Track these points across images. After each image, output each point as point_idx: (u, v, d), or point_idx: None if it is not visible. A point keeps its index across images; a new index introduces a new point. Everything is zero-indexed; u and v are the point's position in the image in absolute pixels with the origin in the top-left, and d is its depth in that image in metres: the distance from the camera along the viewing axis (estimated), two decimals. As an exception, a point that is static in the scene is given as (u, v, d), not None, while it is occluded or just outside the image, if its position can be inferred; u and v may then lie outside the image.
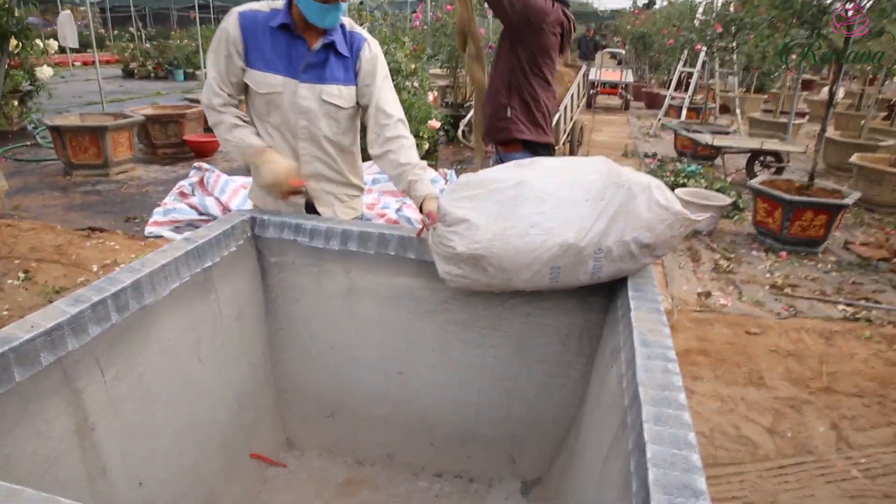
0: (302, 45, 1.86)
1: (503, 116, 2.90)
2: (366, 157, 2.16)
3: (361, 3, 8.61)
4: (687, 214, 1.57)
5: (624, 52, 18.29)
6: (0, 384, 1.10)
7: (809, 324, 3.52)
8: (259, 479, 1.86)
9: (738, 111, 10.10)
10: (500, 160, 2.93)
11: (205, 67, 11.68)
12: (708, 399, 2.75)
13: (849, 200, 4.76)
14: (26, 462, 1.14)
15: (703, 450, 2.34)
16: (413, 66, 6.43)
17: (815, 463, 2.35)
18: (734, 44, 8.55)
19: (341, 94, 1.92)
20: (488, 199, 1.60)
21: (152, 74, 17.16)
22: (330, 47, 1.88)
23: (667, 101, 11.30)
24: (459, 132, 7.42)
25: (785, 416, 2.63)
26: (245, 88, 1.93)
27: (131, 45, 18.82)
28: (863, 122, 8.39)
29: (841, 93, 14.27)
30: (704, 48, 9.38)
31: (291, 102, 1.89)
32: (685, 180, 6.62)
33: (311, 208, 2.08)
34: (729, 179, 7.07)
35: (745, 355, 3.13)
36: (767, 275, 4.48)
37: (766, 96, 14.41)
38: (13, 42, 4.69)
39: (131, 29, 20.63)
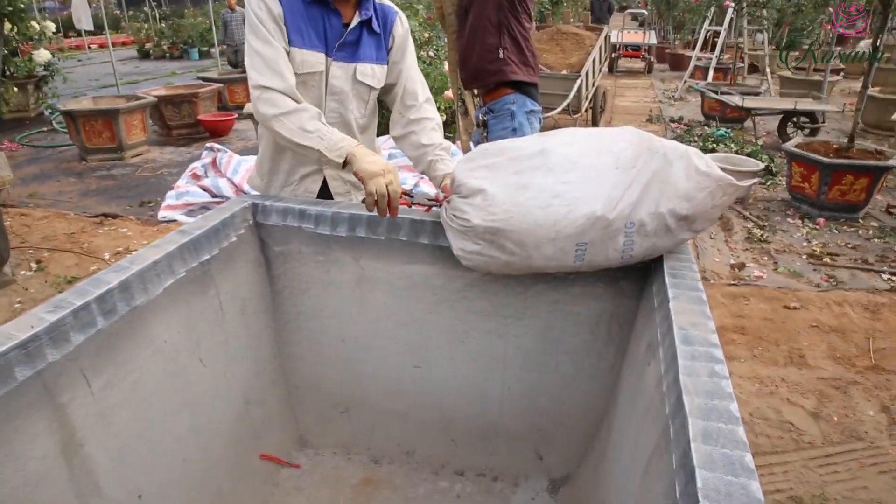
0: (336, 20, 1.70)
1: (494, 58, 2.62)
2: (381, 130, 2.02)
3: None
4: (731, 180, 1.39)
5: (646, 12, 17.63)
6: (-31, 405, 1.00)
7: (853, 296, 3.32)
8: (270, 482, 1.77)
9: (767, 70, 9.67)
10: (490, 111, 2.71)
11: (220, 45, 11.49)
12: (746, 381, 2.58)
13: (893, 162, 4.48)
14: (4, 488, 1.04)
15: (743, 437, 2.20)
16: (427, 35, 6.21)
17: (865, 450, 2.18)
18: (765, -2, 8.11)
19: (374, 74, 1.78)
20: (507, 169, 1.45)
21: (167, 55, 17.11)
22: (365, 24, 1.73)
23: (692, 63, 10.86)
24: (477, 102, 7.19)
25: (830, 399, 2.46)
26: None
27: (146, 26, 18.76)
28: (904, 76, 7.94)
29: (878, 46, 13.59)
30: (733, 4, 8.93)
31: (323, 83, 1.74)
32: (714, 145, 6.35)
33: (326, 198, 1.94)
34: (760, 142, 6.77)
35: (784, 332, 2.95)
36: (804, 243, 4.26)
37: (797, 53, 13.80)
38: (7, 25, 4.54)
39: (146, 9, 20.53)
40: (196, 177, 4.63)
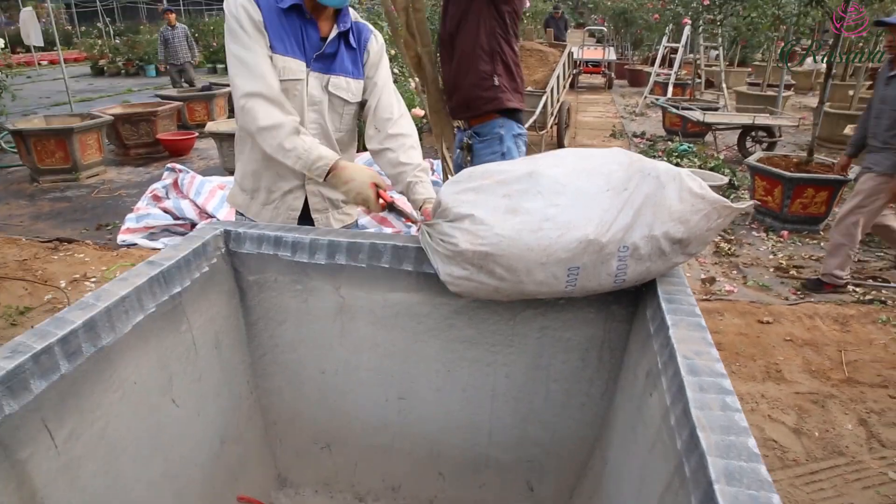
0: (314, 32, 1.67)
1: (490, 86, 2.58)
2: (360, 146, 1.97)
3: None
4: (726, 202, 1.37)
5: (604, 29, 18.05)
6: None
7: (822, 309, 3.38)
8: (249, 526, 1.66)
9: (723, 85, 9.97)
10: (476, 134, 2.67)
11: (160, 64, 11.19)
12: (726, 397, 2.58)
13: (851, 175, 4.62)
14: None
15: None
16: (392, 52, 6.18)
17: (848, 465, 2.20)
18: (721, 16, 8.37)
19: (349, 87, 1.74)
20: (495, 192, 1.40)
21: (123, 71, 16.69)
22: (342, 36, 1.70)
23: (652, 79, 11.13)
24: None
25: (809, 414, 2.48)
26: None
27: (99, 42, 18.27)
28: (851, 91, 8.29)
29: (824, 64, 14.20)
30: (690, 22, 9.19)
31: (304, 93, 1.70)
32: (678, 160, 6.47)
33: (304, 214, 1.89)
34: (721, 157, 6.93)
35: (759, 347, 2.97)
36: (771, 256, 4.35)
37: (749, 69, 14.31)
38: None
39: (99, 24, 20.03)
40: (157, 198, 4.46)
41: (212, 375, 1.61)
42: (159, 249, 4.10)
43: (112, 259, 3.80)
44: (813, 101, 12.30)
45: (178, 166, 4.57)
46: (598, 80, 14.85)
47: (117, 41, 18.15)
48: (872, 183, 3.34)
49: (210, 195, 4.35)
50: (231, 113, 9.16)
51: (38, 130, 5.71)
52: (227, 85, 9.46)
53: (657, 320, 1.34)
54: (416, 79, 3.01)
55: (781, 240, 4.65)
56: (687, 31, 9.88)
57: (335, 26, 1.69)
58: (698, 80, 9.98)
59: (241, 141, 1.83)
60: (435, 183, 1.95)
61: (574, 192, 1.36)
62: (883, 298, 3.54)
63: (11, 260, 3.79)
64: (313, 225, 1.91)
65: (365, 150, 1.88)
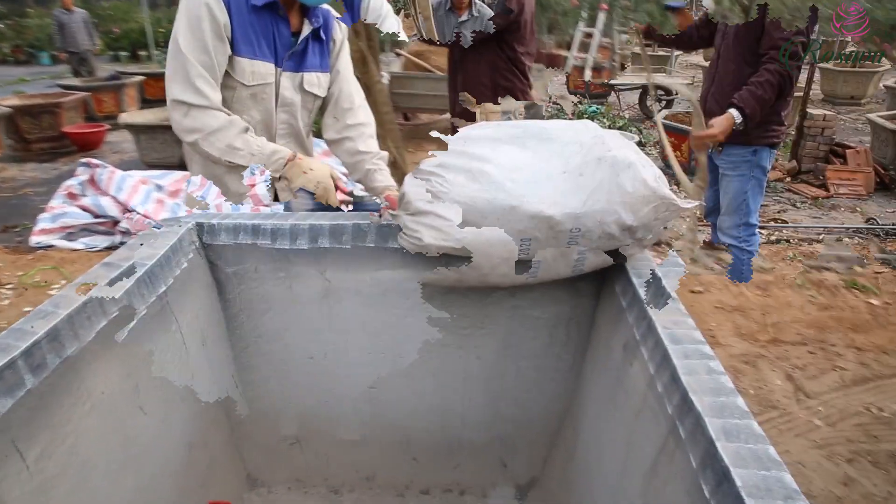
0: (286, 29, 1.59)
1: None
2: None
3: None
4: (673, 199, 1.42)
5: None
6: None
7: (745, 276, 3.63)
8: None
9: (616, 51, 10.37)
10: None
11: (59, 52, 10.36)
12: (669, 364, 2.74)
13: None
14: None
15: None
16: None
17: (781, 417, 2.39)
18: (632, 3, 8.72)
19: (320, 83, 1.69)
20: (456, 168, 1.40)
21: (11, 59, 15.28)
22: (314, 32, 1.64)
23: (570, 62, 11.43)
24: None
25: (744, 374, 2.67)
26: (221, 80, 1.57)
27: (-21, 26, 16.64)
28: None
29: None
30: (608, 9, 9.53)
31: (274, 95, 1.64)
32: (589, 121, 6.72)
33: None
34: (626, 116, 7.25)
35: (693, 315, 3.15)
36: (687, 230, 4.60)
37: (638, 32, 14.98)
38: None
39: (-23, 7, 18.18)
40: (73, 196, 4.14)
41: (178, 378, 1.53)
42: (79, 250, 3.84)
43: (29, 263, 3.51)
44: (697, 58, 13.05)
45: (94, 161, 4.26)
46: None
47: (1, 25, 16.58)
48: None
49: (133, 191, 4.09)
50: (143, 103, 8.62)
51: (-78, 126, 5.17)
52: (137, 74, 8.92)
53: (628, 295, 1.40)
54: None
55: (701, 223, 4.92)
56: (602, 16, 10.21)
57: (307, 21, 1.61)
58: (614, 63, 10.36)
59: (191, 149, 1.72)
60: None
61: (532, 171, 1.39)
62: (787, 237, 3.85)
63: None
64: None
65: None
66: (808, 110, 5.18)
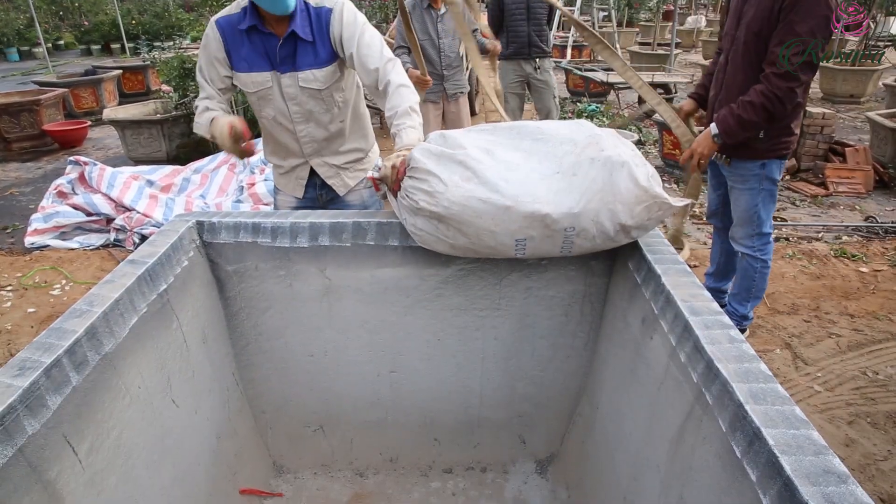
0: (273, 40, 1.82)
1: None
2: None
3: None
4: (665, 198, 1.45)
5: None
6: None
7: (738, 249, 3.70)
8: (257, 517, 1.65)
9: (617, 45, 10.43)
10: None
11: (45, 42, 10.16)
12: (670, 337, 2.80)
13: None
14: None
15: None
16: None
17: (781, 385, 2.47)
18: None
19: (316, 78, 1.86)
20: (455, 161, 1.44)
21: (-22, 56, 14.90)
22: (294, 37, 1.81)
23: (551, 39, 11.41)
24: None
25: (743, 343, 2.74)
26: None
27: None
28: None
29: (703, 22, 15.17)
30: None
31: (279, 93, 1.88)
32: (587, 120, 6.75)
33: (321, 184, 2.10)
34: (626, 115, 7.30)
35: (690, 288, 3.23)
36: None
37: (636, 29, 15.02)
38: None
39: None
40: (63, 195, 4.10)
41: (203, 372, 1.56)
42: (75, 249, 3.81)
43: (26, 264, 3.48)
44: (696, 56, 13.15)
45: (83, 158, 4.20)
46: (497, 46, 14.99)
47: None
48: None
49: (125, 187, 4.06)
50: (122, 97, 8.49)
51: None
52: (113, 68, 8.76)
53: (643, 271, 1.45)
54: None
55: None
56: (582, -7, 10.21)
57: (286, 28, 1.79)
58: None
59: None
60: None
61: (526, 171, 1.42)
62: (786, 235, 3.95)
63: None
64: (332, 190, 2.10)
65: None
66: (808, 109, 5.22)
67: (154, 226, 3.84)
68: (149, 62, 8.35)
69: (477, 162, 1.42)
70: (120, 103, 7.84)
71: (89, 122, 6.81)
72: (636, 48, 10.64)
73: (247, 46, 1.83)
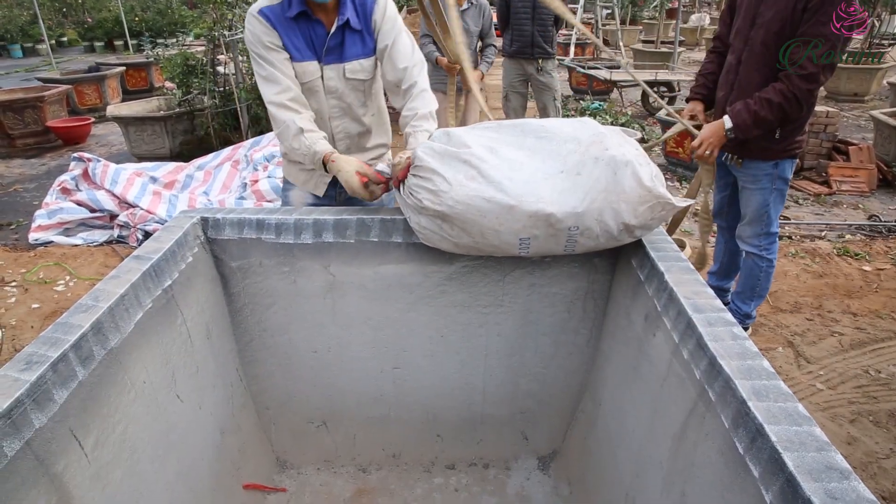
0: (320, 29, 1.77)
1: None
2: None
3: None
4: (669, 198, 1.45)
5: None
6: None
7: (740, 247, 3.70)
8: (260, 512, 1.66)
9: (620, 43, 10.41)
10: None
11: (49, 39, 10.15)
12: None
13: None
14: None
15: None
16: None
17: (785, 382, 2.47)
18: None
19: (363, 68, 1.85)
20: (459, 160, 1.44)
21: (-18, 53, 14.92)
22: (345, 26, 1.78)
23: (556, 39, 11.39)
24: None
25: (745, 341, 2.74)
26: None
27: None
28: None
29: (707, 20, 15.13)
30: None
31: (321, 86, 1.83)
32: (591, 117, 6.74)
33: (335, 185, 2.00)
34: (629, 112, 7.29)
35: (693, 286, 3.23)
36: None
37: (639, 27, 14.98)
38: None
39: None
40: (66, 191, 4.11)
41: (206, 367, 1.57)
42: (79, 245, 3.82)
43: (30, 260, 3.49)
44: (700, 55, 13.11)
45: (87, 155, 4.21)
46: (499, 42, 14.98)
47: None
48: None
49: (128, 184, 4.06)
50: (126, 94, 8.50)
51: None
52: (116, 65, 8.77)
53: (646, 268, 1.45)
54: None
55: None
56: (585, -9, 10.18)
57: (337, 18, 1.76)
58: (597, 39, 10.36)
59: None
60: None
61: (531, 171, 1.41)
62: (789, 234, 3.94)
63: None
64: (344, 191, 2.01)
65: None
66: (812, 108, 5.21)
67: (157, 222, 3.85)
68: (152, 59, 8.35)
69: (481, 161, 1.43)
70: (123, 100, 7.86)
71: (93, 119, 6.83)
72: (639, 46, 10.62)
73: (296, 34, 1.76)
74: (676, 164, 5.31)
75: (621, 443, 1.48)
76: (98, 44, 15.77)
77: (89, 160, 4.21)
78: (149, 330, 1.32)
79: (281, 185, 2.21)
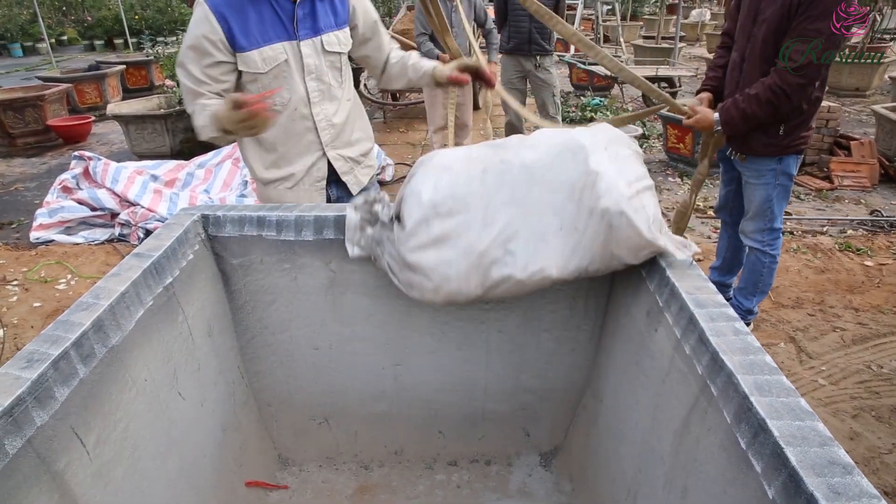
0: (286, 2, 1.65)
1: None
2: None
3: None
4: (668, 249, 1.36)
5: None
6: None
7: (742, 242, 3.70)
8: (262, 509, 1.66)
9: (621, 39, 10.39)
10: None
11: (49, 38, 10.15)
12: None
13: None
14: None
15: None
16: None
17: (787, 378, 2.46)
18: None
19: (339, 41, 1.78)
20: (460, 249, 1.35)
21: (-18, 52, 14.93)
22: None
23: (554, 36, 11.36)
24: (362, 86, 7.03)
25: (747, 336, 2.74)
26: (238, 79, 1.71)
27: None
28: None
29: (707, 15, 15.09)
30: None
31: (298, 67, 1.71)
32: (592, 114, 6.73)
33: (331, 180, 1.96)
34: (630, 108, 7.27)
35: (695, 282, 3.22)
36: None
37: (640, 23, 14.95)
38: None
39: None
40: (67, 190, 4.11)
41: (208, 365, 1.57)
42: (80, 244, 3.83)
43: (32, 259, 3.50)
44: (700, 50, 13.09)
45: (87, 154, 4.21)
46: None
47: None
48: None
49: (129, 182, 4.06)
50: (126, 93, 8.49)
51: None
52: (117, 63, 8.77)
53: (647, 264, 1.45)
54: None
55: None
56: (585, -13, 10.16)
57: None
58: (598, 36, 10.33)
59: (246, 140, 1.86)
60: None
61: (529, 234, 1.37)
62: (790, 229, 3.94)
63: None
64: (345, 189, 1.97)
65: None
66: (813, 103, 5.20)
67: (158, 220, 3.85)
68: (152, 57, 8.36)
69: (478, 242, 1.35)
70: (123, 98, 7.86)
71: (93, 118, 6.84)
72: (640, 42, 10.59)
73: (252, 17, 1.62)
74: (678, 159, 5.30)
75: (623, 438, 1.48)
76: (98, 42, 15.77)
77: (90, 159, 4.21)
78: (150, 328, 1.32)
79: None
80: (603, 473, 1.57)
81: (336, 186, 1.99)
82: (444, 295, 1.37)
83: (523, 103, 5.48)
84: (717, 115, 2.30)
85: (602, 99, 7.40)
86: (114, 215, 4.03)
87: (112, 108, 5.55)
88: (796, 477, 0.80)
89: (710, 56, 8.67)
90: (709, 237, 3.93)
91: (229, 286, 1.70)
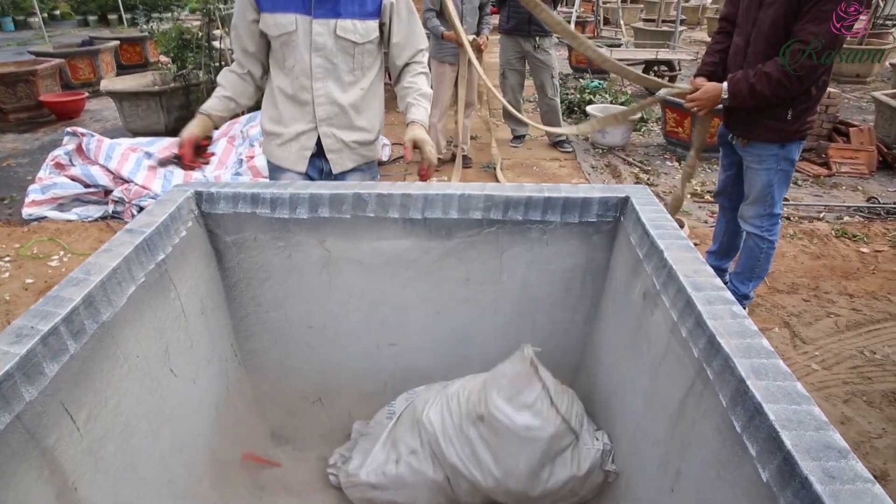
0: None
1: None
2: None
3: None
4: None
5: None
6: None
7: (739, 228, 3.69)
8: (255, 486, 1.66)
9: (621, 22, 10.29)
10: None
11: (41, 12, 10.03)
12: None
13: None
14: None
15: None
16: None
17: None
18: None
19: (356, 29, 1.79)
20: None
21: (-27, 25, 14.68)
22: None
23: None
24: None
25: (742, 321, 2.75)
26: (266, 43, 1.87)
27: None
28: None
29: (709, -1, 14.94)
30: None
31: (306, 41, 1.77)
32: (591, 96, 6.68)
33: (319, 155, 2.01)
34: (629, 91, 7.22)
35: (691, 267, 3.22)
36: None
37: (641, 5, 14.79)
38: None
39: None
40: (60, 166, 4.06)
41: (202, 342, 1.56)
42: (73, 221, 3.79)
43: (24, 235, 3.46)
44: (701, 34, 12.98)
45: (81, 130, 4.15)
46: (495, 19, 14.82)
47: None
48: None
49: (123, 159, 4.02)
50: (120, 69, 8.38)
51: None
52: (111, 39, 8.63)
53: (645, 245, 1.44)
54: None
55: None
56: (586, -32, 10.02)
57: None
58: (598, 18, 10.22)
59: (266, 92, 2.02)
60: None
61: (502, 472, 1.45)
62: (787, 215, 3.93)
63: None
64: (328, 164, 2.01)
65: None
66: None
67: (152, 198, 3.82)
68: (147, 33, 8.24)
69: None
70: (118, 75, 7.75)
71: (87, 94, 6.74)
72: (640, 24, 10.49)
73: None
74: (676, 143, 5.27)
75: (618, 421, 1.48)
76: (91, 17, 15.53)
77: (83, 135, 4.16)
78: (142, 304, 1.30)
79: None
80: (596, 455, 1.57)
81: (327, 161, 2.01)
82: None
83: (522, 85, 5.43)
84: (724, 86, 2.29)
85: (601, 81, 7.34)
86: (107, 192, 3.99)
87: (106, 85, 5.47)
88: (791, 460, 0.80)
89: (710, 39, 8.62)
90: (705, 221, 3.93)
91: (223, 264, 1.69)
